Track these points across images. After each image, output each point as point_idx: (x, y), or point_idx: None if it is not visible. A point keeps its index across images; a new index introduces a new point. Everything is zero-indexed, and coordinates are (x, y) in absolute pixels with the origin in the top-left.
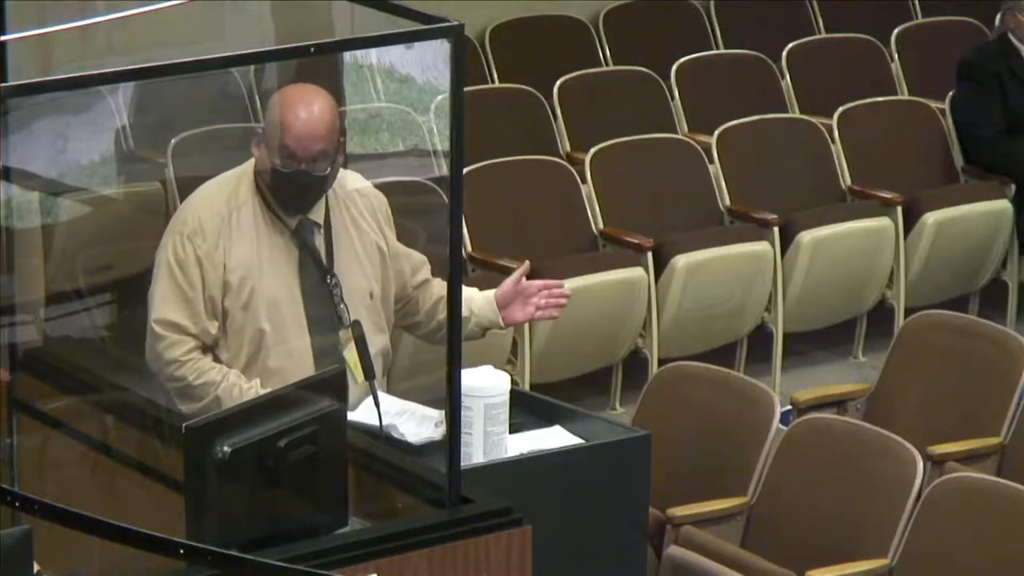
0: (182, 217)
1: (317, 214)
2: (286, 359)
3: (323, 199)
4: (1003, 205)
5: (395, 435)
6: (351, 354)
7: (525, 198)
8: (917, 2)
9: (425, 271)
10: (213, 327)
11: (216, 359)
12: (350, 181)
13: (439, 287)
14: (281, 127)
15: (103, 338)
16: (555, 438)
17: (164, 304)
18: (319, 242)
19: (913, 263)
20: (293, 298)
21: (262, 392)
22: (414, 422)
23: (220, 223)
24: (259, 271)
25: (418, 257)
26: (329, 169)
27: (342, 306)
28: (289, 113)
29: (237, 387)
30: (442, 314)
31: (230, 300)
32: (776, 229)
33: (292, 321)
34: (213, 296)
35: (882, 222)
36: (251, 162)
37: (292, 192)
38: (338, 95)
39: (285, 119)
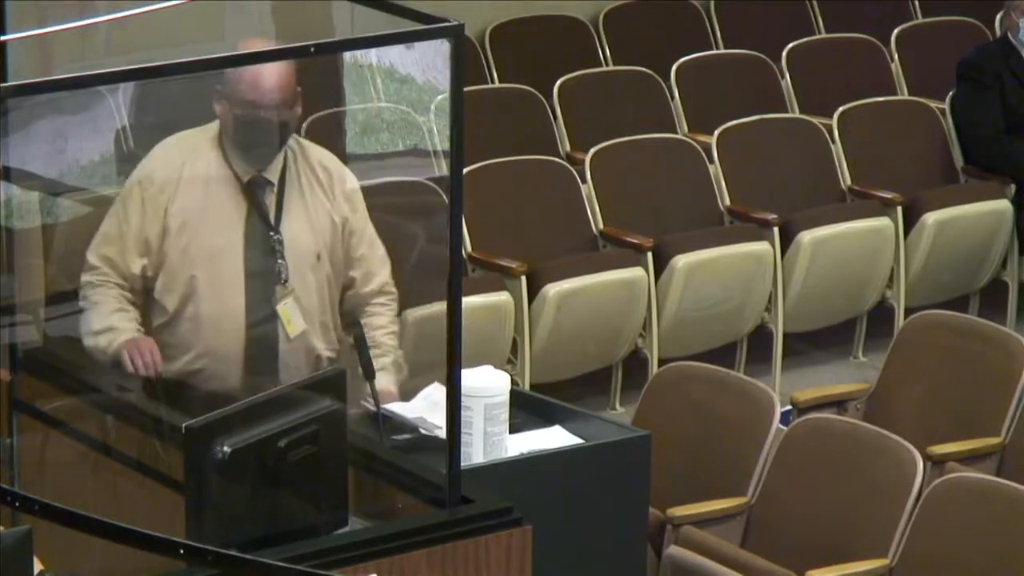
0: (139, 165)
1: (272, 172)
2: (218, 306)
3: (281, 157)
4: (1003, 205)
5: (423, 429)
6: (284, 309)
7: (525, 198)
8: (917, 2)
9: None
10: (136, 265)
11: (150, 298)
12: (315, 152)
13: (373, 327)
14: (239, 78)
15: None
16: (555, 438)
17: (99, 240)
18: (270, 199)
19: (913, 263)
20: (233, 249)
21: (141, 332)
22: (439, 412)
23: (170, 171)
24: (202, 219)
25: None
26: (288, 116)
27: (281, 262)
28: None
29: (120, 314)
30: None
31: (169, 243)
32: (776, 229)
33: (229, 271)
34: (149, 238)
35: (882, 222)
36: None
37: (254, 139)
38: (338, 95)
39: (242, 70)
